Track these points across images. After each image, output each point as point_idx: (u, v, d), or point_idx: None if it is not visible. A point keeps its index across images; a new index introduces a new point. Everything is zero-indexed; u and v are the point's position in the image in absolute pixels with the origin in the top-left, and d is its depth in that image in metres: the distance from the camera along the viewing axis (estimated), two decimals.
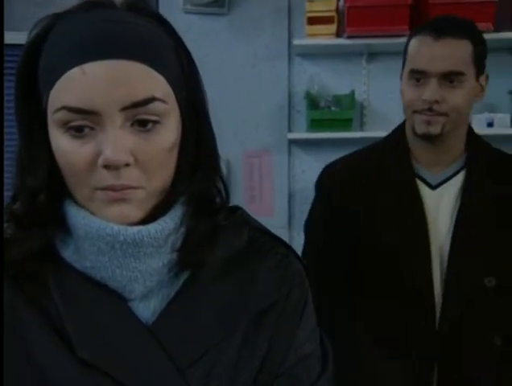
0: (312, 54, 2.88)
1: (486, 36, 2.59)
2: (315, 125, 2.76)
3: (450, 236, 1.39)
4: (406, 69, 1.41)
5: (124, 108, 0.65)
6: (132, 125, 0.66)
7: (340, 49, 2.75)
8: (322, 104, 2.79)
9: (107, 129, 0.65)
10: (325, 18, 2.71)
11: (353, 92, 2.80)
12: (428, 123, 1.37)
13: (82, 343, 0.68)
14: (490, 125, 2.73)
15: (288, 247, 0.81)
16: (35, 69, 0.68)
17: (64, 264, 0.71)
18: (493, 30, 2.66)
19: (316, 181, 1.57)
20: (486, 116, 2.74)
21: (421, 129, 1.38)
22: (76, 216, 0.69)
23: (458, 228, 1.39)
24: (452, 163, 1.44)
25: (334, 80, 2.84)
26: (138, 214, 0.68)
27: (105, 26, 0.66)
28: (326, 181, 1.54)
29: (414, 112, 1.39)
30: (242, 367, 0.73)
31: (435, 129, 1.37)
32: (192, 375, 0.70)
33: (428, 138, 1.40)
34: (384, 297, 1.41)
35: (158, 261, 0.70)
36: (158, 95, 0.66)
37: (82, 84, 0.64)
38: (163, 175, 0.69)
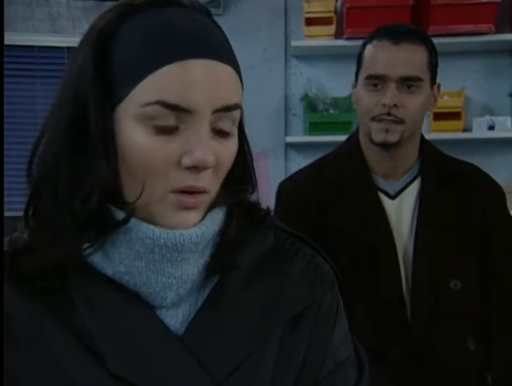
0: (309, 56, 2.84)
1: (487, 38, 2.62)
2: (313, 128, 2.72)
3: (412, 244, 1.40)
4: (362, 75, 1.41)
5: (216, 111, 0.64)
6: (212, 129, 0.65)
7: (338, 50, 2.70)
8: (320, 106, 2.74)
9: (198, 129, 0.63)
10: (323, 19, 2.68)
11: (351, 95, 2.74)
12: (387, 131, 1.36)
13: (113, 357, 0.65)
14: (491, 128, 2.69)
15: (314, 247, 0.79)
16: (102, 61, 0.65)
17: (91, 271, 0.67)
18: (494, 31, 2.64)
19: (276, 195, 1.53)
20: (487, 119, 2.70)
21: (379, 137, 1.38)
22: (119, 219, 0.65)
23: (418, 235, 1.40)
24: (407, 172, 1.45)
25: (332, 83, 2.78)
26: (199, 219, 0.68)
27: (198, 26, 0.65)
28: (285, 196, 1.51)
29: (372, 119, 1.38)
30: (280, 377, 0.70)
31: (393, 138, 1.37)
32: None
33: (386, 147, 1.40)
34: (355, 308, 1.38)
35: (194, 268, 0.68)
36: (240, 102, 0.67)
37: (182, 80, 0.62)
38: (220, 182, 0.69)
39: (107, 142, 0.64)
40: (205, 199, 0.67)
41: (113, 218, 0.65)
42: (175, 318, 0.69)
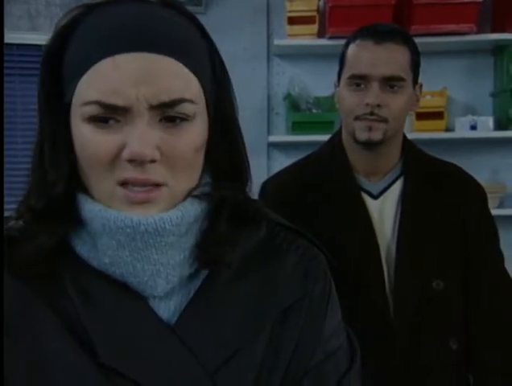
0: (292, 55, 2.83)
1: (469, 38, 2.62)
2: (296, 127, 2.70)
3: (395, 244, 1.40)
4: (345, 75, 1.41)
5: (154, 107, 0.63)
6: (160, 120, 0.64)
7: (321, 50, 2.69)
8: (303, 106, 2.73)
9: (135, 122, 0.63)
10: (306, 18, 2.67)
11: (334, 94, 2.74)
12: (370, 129, 1.36)
13: (105, 348, 0.65)
14: (473, 128, 2.70)
15: (309, 238, 0.79)
16: (59, 60, 0.66)
17: (81, 263, 0.68)
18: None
19: (258, 195, 1.51)
20: (469, 119, 2.70)
21: (363, 135, 1.38)
22: (92, 210, 0.66)
23: (401, 235, 1.40)
24: (389, 172, 1.46)
25: (315, 82, 2.77)
26: (161, 212, 0.66)
27: (140, 19, 0.64)
28: (267, 196, 1.49)
29: (356, 118, 1.38)
30: (270, 367, 0.71)
31: (376, 136, 1.37)
32: (220, 379, 0.67)
33: (369, 145, 1.39)
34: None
35: (180, 253, 0.67)
36: (187, 96, 0.64)
37: (114, 77, 0.61)
38: (189, 175, 0.67)
39: (54, 142, 0.66)
40: (163, 194, 0.65)
41: (78, 208, 0.67)
42: (168, 309, 0.68)
